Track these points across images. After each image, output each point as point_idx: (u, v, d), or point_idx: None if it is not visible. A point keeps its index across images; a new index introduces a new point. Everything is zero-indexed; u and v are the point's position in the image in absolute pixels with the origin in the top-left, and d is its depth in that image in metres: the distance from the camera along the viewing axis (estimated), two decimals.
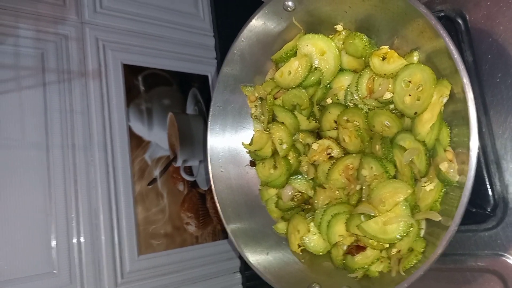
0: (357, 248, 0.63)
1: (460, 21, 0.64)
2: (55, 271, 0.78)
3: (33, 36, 0.83)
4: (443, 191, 0.56)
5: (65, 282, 0.78)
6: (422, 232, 0.57)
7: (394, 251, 0.59)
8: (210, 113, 0.73)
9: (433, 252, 0.49)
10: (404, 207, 0.57)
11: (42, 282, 0.76)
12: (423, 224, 0.58)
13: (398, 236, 0.57)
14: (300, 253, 0.69)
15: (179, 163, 1.00)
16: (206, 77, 1.11)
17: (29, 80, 0.82)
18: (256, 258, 0.66)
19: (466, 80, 0.47)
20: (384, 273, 0.60)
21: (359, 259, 0.62)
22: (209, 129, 0.73)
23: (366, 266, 0.61)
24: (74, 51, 0.88)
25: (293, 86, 0.70)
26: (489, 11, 0.61)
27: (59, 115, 0.84)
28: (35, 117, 0.81)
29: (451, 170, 0.53)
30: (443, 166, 0.53)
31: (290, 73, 0.70)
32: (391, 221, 0.57)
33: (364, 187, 0.63)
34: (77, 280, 0.80)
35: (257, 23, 0.67)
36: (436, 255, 0.49)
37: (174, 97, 1.04)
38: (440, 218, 0.54)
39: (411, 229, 0.57)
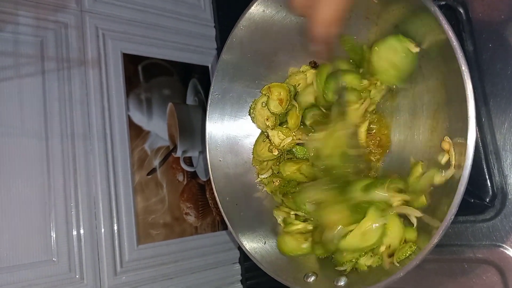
0: None
1: (461, 10, 0.63)
2: (54, 259, 0.78)
3: (33, 23, 0.83)
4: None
5: (65, 270, 0.79)
6: (415, 223, 0.57)
7: (382, 248, 0.57)
8: (209, 101, 0.72)
9: (429, 242, 0.49)
10: (372, 211, 0.56)
11: (42, 270, 0.76)
12: (413, 217, 0.56)
13: (377, 238, 0.56)
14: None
15: (178, 154, 1.00)
16: (206, 68, 1.10)
17: (28, 68, 0.82)
18: (253, 246, 0.66)
19: (464, 68, 0.46)
20: (373, 267, 0.59)
21: (347, 253, 0.60)
22: (207, 118, 0.73)
23: (354, 260, 0.59)
24: (73, 39, 0.88)
25: None
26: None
27: (58, 103, 0.84)
28: (34, 105, 0.81)
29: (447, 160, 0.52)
30: (441, 158, 0.53)
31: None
32: (368, 229, 0.56)
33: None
34: (77, 268, 0.80)
35: (256, 10, 0.67)
36: (431, 245, 0.48)
37: (174, 87, 1.03)
38: (421, 215, 0.53)
39: (385, 226, 0.56)
